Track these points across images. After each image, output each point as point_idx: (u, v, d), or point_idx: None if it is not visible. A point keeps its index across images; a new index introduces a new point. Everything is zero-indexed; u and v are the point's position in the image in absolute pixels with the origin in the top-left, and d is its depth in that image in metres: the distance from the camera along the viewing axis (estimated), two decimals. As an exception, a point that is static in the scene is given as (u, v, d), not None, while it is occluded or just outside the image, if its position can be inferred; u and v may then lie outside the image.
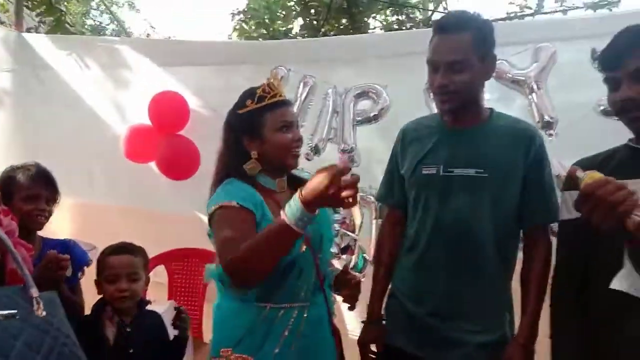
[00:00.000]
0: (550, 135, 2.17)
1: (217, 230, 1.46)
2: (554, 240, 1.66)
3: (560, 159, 2.20)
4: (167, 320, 2.07)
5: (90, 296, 1.92)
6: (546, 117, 2.17)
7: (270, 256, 1.35)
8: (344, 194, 1.21)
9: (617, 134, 1.92)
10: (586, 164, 1.40)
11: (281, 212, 1.29)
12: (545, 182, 1.57)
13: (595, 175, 0.97)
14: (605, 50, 1.30)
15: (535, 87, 2.22)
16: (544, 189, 1.57)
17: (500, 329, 1.58)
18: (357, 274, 2.27)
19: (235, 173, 1.57)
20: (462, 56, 1.50)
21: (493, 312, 1.58)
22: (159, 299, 2.59)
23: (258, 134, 1.58)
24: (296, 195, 1.27)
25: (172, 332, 2.03)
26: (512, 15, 6.15)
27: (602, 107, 2.12)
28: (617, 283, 1.04)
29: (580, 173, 0.99)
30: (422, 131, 1.69)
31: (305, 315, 1.55)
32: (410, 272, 1.67)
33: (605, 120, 2.13)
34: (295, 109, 2.68)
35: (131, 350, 1.67)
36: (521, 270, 1.60)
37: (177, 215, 2.97)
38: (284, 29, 7.21)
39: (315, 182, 1.23)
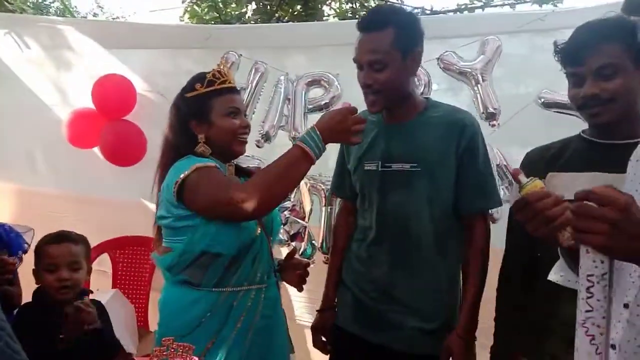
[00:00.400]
0: (493, 125, 2.23)
1: (202, 185, 1.44)
2: (497, 227, 1.73)
3: (503, 148, 2.31)
4: (111, 308, 2.02)
5: (26, 283, 1.85)
6: (490, 108, 2.23)
7: (286, 182, 1.47)
8: (355, 127, 1.43)
9: (557, 125, 2.03)
10: (537, 156, 1.44)
11: (297, 143, 1.44)
12: (480, 170, 1.58)
13: (537, 184, 0.97)
14: (568, 45, 1.29)
15: (480, 78, 2.27)
16: (479, 177, 1.58)
17: (441, 318, 1.59)
18: (304, 259, 2.28)
19: (186, 154, 1.55)
20: (382, 55, 1.49)
21: (433, 301, 1.59)
22: (103, 288, 2.53)
23: (206, 118, 1.58)
24: (313, 126, 1.45)
25: (117, 321, 1.99)
26: (462, 7, 6.25)
27: (542, 100, 2.21)
28: (553, 275, 1.09)
29: (522, 178, 0.98)
30: (366, 125, 1.66)
31: (262, 296, 1.57)
32: (358, 261, 1.69)
33: (546, 112, 2.22)
34: (246, 95, 2.65)
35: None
36: (462, 259, 1.62)
37: (121, 202, 2.90)
38: (236, 12, 7.08)
39: (329, 116, 1.46)
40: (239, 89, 1.73)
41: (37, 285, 1.78)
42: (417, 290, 1.59)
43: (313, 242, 2.61)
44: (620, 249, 0.81)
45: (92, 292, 1.88)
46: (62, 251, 1.74)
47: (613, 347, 0.90)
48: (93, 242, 2.42)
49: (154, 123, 2.94)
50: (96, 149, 2.88)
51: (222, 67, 1.63)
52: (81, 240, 1.83)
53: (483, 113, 2.25)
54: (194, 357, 0.91)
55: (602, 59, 1.22)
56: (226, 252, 1.49)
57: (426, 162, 1.55)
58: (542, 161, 1.39)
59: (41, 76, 3.14)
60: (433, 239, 1.57)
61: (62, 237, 1.78)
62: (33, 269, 1.78)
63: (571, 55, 1.28)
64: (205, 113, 1.58)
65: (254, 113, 2.70)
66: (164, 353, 0.88)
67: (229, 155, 1.64)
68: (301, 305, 2.64)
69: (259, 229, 1.58)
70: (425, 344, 1.58)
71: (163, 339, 0.90)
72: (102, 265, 2.72)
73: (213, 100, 1.58)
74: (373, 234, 1.64)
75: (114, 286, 2.61)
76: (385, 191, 1.61)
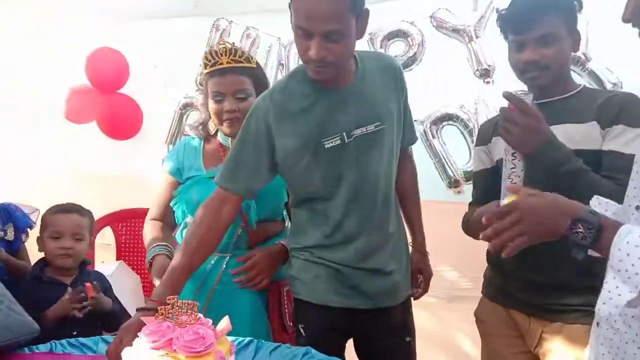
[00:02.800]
0: (488, 82, 2.23)
1: None
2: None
3: (497, 104, 2.30)
4: (117, 279, 2.07)
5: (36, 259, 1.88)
6: (484, 65, 2.22)
7: None
8: None
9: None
10: (485, 126, 1.65)
11: None
12: (408, 106, 1.63)
13: (508, 200, 1.10)
14: (511, 13, 1.41)
15: (474, 35, 2.25)
16: (410, 114, 1.65)
17: (408, 258, 1.68)
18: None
19: (201, 128, 1.80)
20: (340, 24, 1.32)
21: (404, 248, 1.66)
22: (107, 261, 2.57)
23: (206, 98, 1.72)
24: None
25: (123, 291, 2.03)
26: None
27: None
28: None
29: (508, 198, 1.13)
30: (297, 103, 1.48)
31: (224, 264, 1.68)
32: (328, 249, 1.55)
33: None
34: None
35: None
36: (396, 187, 1.62)
37: (120, 176, 2.92)
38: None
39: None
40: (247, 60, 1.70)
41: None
42: (393, 246, 1.58)
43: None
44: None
45: (90, 263, 1.92)
46: (68, 221, 1.79)
47: None
48: (95, 216, 2.46)
49: (147, 95, 2.96)
50: (93, 124, 2.88)
51: (220, 45, 1.68)
52: (87, 213, 1.88)
53: (477, 70, 2.24)
54: (199, 314, 0.94)
55: (543, 28, 1.35)
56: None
57: (386, 116, 1.51)
58: (489, 129, 1.57)
59: (30, 51, 3.09)
60: (393, 189, 1.60)
61: (69, 208, 1.83)
62: (37, 237, 1.83)
63: (514, 23, 1.41)
64: (206, 93, 1.72)
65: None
66: (170, 311, 0.91)
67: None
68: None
69: None
70: (406, 288, 1.65)
71: (168, 297, 0.93)
72: (105, 239, 2.76)
73: (207, 83, 1.70)
74: (341, 214, 1.51)
75: (118, 258, 2.65)
76: (357, 160, 1.49)
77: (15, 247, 1.95)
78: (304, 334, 1.55)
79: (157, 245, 1.70)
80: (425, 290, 1.75)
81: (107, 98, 2.82)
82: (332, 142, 1.47)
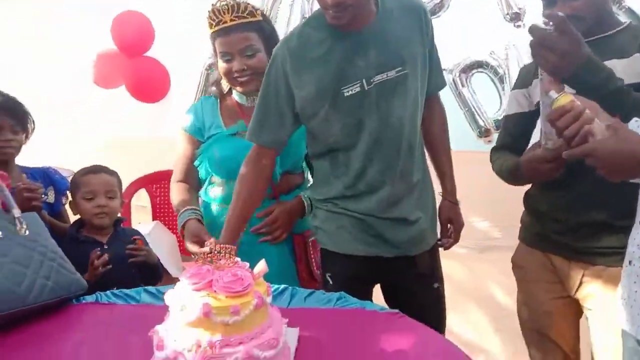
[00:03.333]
0: (519, 26, 2.16)
1: None
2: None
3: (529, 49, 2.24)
4: (154, 238, 2.12)
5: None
6: (514, 8, 2.15)
7: None
8: None
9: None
10: (525, 68, 1.60)
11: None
12: (435, 49, 1.57)
13: (566, 98, 1.08)
14: None
15: (503, -21, 2.18)
16: (437, 56, 1.58)
17: (434, 206, 1.67)
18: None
19: (215, 87, 1.83)
20: None
21: (430, 198, 1.65)
22: (144, 221, 2.64)
23: (217, 57, 1.72)
24: None
25: (161, 250, 2.09)
26: None
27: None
28: None
29: (553, 93, 1.10)
30: (314, 49, 1.44)
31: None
32: (351, 200, 1.56)
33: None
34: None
35: (109, 266, 1.70)
36: (424, 135, 1.62)
37: (151, 139, 2.96)
38: None
39: None
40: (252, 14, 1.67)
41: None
42: (418, 194, 1.58)
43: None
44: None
45: (125, 220, 1.98)
46: (99, 180, 1.83)
47: None
48: (129, 179, 2.53)
49: (173, 57, 2.96)
50: (122, 88, 2.92)
51: (222, 1, 1.63)
52: (114, 173, 1.92)
53: (507, 14, 2.17)
54: (237, 258, 0.96)
55: None
56: (218, 176, 1.73)
57: (409, 60, 1.46)
58: (531, 71, 1.53)
59: (56, 19, 3.12)
60: (418, 137, 1.57)
61: (97, 169, 1.87)
62: (70, 202, 1.89)
63: None
64: (215, 54, 1.72)
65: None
66: (209, 255, 0.94)
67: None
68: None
69: None
70: (433, 235, 1.65)
71: (207, 242, 0.96)
72: (141, 201, 2.83)
73: (214, 43, 1.69)
74: (361, 165, 1.50)
75: (153, 218, 2.72)
76: (378, 109, 1.46)
77: (57, 210, 2.02)
78: (331, 282, 1.59)
79: (186, 210, 1.73)
80: (455, 241, 1.73)
81: (134, 62, 2.83)
82: (351, 90, 1.43)
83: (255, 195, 1.59)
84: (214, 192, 1.81)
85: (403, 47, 1.45)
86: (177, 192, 1.81)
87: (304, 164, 1.87)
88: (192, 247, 1.62)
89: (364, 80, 1.43)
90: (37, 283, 1.22)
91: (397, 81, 1.44)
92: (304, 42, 1.46)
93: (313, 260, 1.79)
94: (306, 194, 1.75)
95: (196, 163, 1.81)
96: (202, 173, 1.82)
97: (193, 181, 1.84)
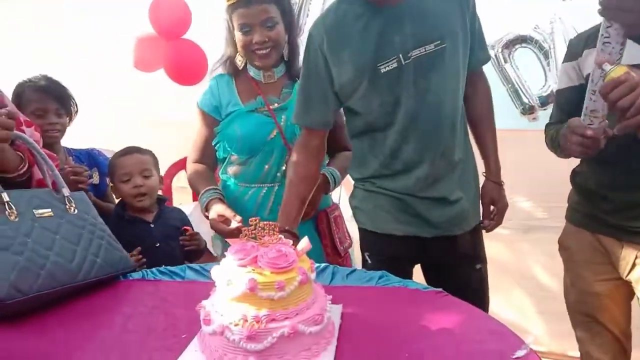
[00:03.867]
0: (565, -2, 2.08)
1: None
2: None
3: (575, 23, 2.15)
4: (195, 219, 2.16)
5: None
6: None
7: None
8: None
9: None
10: (575, 40, 1.52)
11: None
12: (479, 21, 1.51)
13: (621, 69, 1.03)
14: None
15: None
16: (480, 30, 1.53)
17: (476, 186, 1.63)
18: None
19: (228, 64, 1.81)
20: None
21: (473, 177, 1.62)
22: (185, 202, 2.69)
23: (233, 32, 1.71)
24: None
25: (202, 229, 2.12)
26: None
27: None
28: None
29: (606, 66, 1.06)
30: (350, 25, 1.42)
31: (274, 194, 1.75)
32: (389, 178, 1.55)
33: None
34: (296, 8, 2.58)
35: (157, 245, 1.74)
36: (468, 113, 1.59)
37: (190, 121, 2.98)
38: None
39: None
40: None
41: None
42: (460, 174, 1.55)
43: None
44: None
45: (168, 199, 2.01)
46: (133, 160, 1.85)
47: None
48: (169, 162, 2.56)
49: (210, 40, 2.97)
50: (160, 71, 2.95)
51: None
52: (148, 151, 1.94)
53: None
54: (280, 235, 0.96)
55: None
56: (238, 154, 1.75)
57: (448, 34, 1.41)
58: (580, 42, 1.47)
59: (32, 52, 3.12)
60: (460, 115, 1.53)
61: (130, 150, 1.90)
62: (110, 185, 1.92)
63: None
64: (231, 27, 1.71)
65: (305, 23, 2.63)
66: (252, 231, 0.94)
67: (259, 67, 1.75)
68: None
69: (275, 131, 1.71)
70: (475, 216, 1.61)
71: (250, 218, 0.96)
72: (181, 182, 2.87)
73: (232, 15, 1.68)
74: (396, 142, 1.48)
75: (194, 199, 2.76)
76: (415, 85, 1.43)
77: (102, 190, 2.07)
78: (370, 262, 1.58)
79: (207, 190, 1.71)
80: (498, 222, 1.68)
81: (172, 44, 2.86)
82: (388, 66, 1.41)
83: (310, 178, 1.58)
84: (232, 171, 1.81)
85: (441, 21, 1.41)
86: (195, 173, 1.81)
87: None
88: (219, 227, 1.62)
89: (400, 56, 1.40)
90: (87, 260, 1.26)
91: (435, 56, 1.41)
92: (340, 18, 1.45)
93: (337, 235, 1.81)
94: (329, 169, 1.77)
95: (214, 142, 1.81)
96: (219, 152, 1.82)
97: (210, 161, 1.85)
